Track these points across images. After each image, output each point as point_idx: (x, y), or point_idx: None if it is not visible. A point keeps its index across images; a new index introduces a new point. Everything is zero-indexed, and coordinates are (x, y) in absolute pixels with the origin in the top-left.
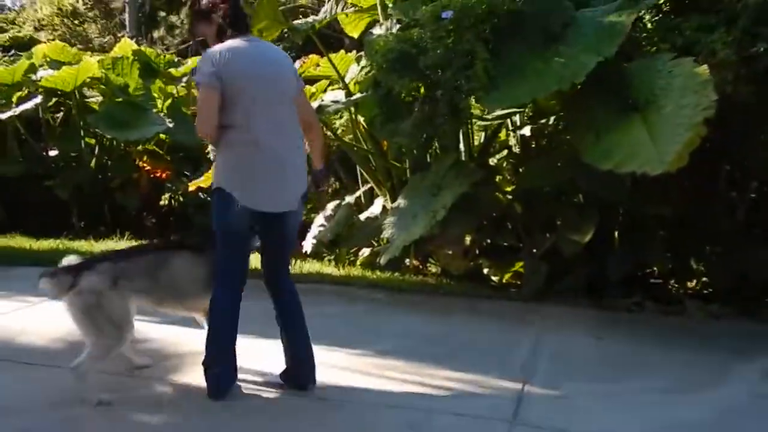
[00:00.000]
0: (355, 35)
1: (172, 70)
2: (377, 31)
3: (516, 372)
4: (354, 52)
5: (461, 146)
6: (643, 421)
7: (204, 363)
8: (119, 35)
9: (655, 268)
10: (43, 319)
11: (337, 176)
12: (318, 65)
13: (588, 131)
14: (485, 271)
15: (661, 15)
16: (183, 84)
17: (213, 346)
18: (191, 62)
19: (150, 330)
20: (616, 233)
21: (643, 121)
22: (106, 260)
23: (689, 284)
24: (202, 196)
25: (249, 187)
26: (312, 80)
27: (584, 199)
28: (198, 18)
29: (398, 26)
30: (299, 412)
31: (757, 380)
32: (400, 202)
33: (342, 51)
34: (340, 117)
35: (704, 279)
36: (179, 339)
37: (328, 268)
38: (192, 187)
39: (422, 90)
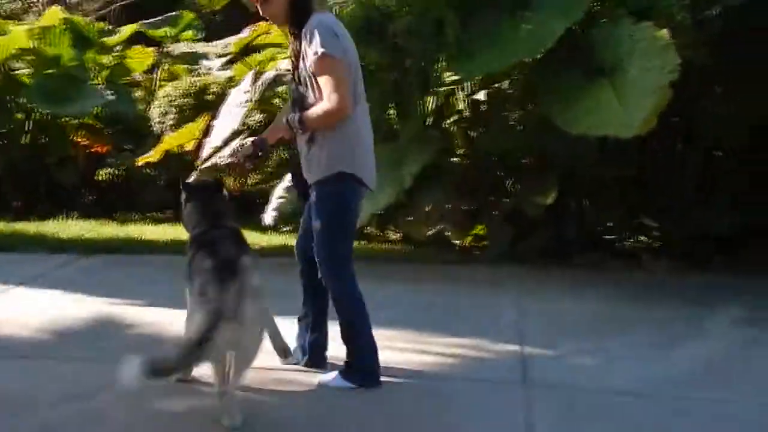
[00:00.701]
0: None
1: (106, 39)
2: None
3: (511, 335)
4: None
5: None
6: (646, 375)
7: (352, 360)
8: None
9: (609, 224)
10: (19, 307)
11: (290, 146)
12: (269, 32)
13: (555, 96)
14: (447, 235)
15: None
16: (117, 53)
17: (362, 339)
18: (126, 30)
19: (139, 314)
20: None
21: (611, 86)
22: None
23: (644, 240)
24: (148, 172)
25: (369, 167)
26: (256, 48)
27: (545, 162)
28: None
29: None
30: (313, 390)
31: (729, 330)
32: None
33: None
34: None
35: (656, 234)
36: (175, 320)
37: (292, 240)
38: (140, 162)
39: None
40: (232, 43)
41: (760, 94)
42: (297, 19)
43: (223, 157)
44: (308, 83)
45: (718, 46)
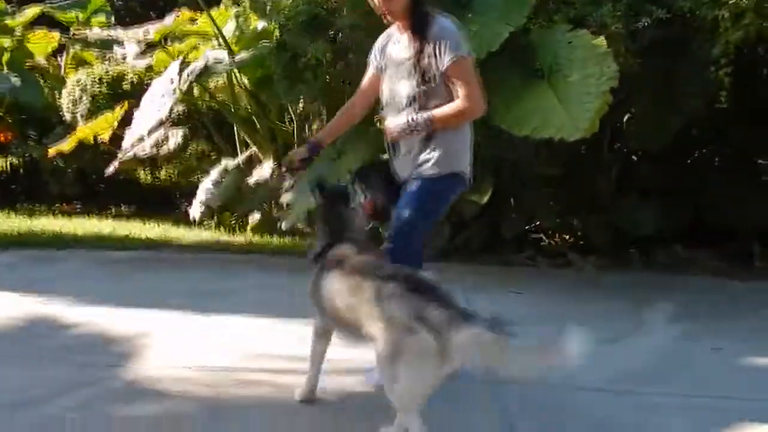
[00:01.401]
0: None
1: (8, 21)
2: None
3: None
4: (223, 7)
5: None
6: (606, 370)
7: None
8: None
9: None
10: None
11: (211, 139)
12: (194, 21)
13: (495, 98)
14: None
15: None
16: (18, 35)
17: None
18: (30, 11)
19: (74, 313)
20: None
21: (551, 89)
22: None
23: (569, 239)
24: (57, 162)
25: (470, 168)
26: (177, 37)
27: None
28: None
29: None
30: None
31: (670, 324)
32: None
33: (221, 6)
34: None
35: (579, 233)
36: (111, 320)
37: (224, 236)
38: (53, 152)
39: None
40: (152, 30)
41: (681, 101)
42: (418, 18)
43: (146, 149)
44: (436, 83)
45: (646, 55)
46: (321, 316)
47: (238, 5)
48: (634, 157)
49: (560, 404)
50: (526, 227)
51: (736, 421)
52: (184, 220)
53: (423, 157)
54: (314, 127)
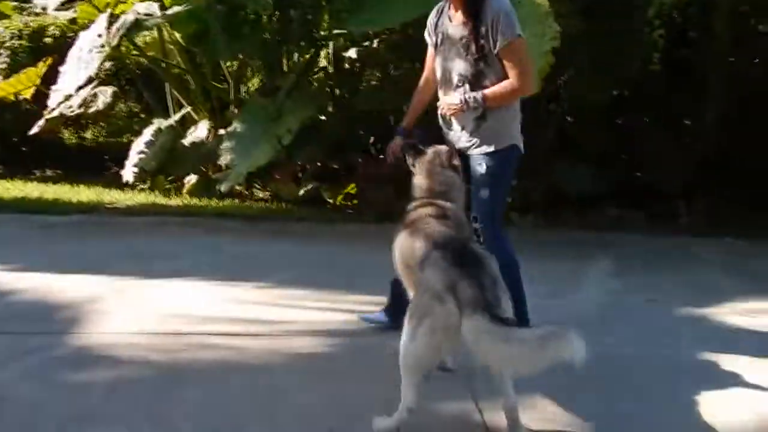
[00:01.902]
0: None
1: None
2: None
3: None
4: None
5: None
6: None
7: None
8: None
9: None
10: None
11: (140, 97)
12: None
13: None
14: (321, 194)
15: None
16: None
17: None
18: None
19: (14, 280)
20: None
21: None
22: None
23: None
24: None
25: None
26: None
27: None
28: None
29: None
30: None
31: (606, 280)
32: (237, 126)
33: None
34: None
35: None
36: (51, 287)
37: (159, 198)
38: None
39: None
40: None
41: (618, 63)
42: None
43: (73, 107)
44: (490, 62)
45: (586, 15)
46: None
47: None
48: (569, 119)
49: None
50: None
51: (671, 365)
52: (115, 182)
53: (480, 134)
54: (250, 86)
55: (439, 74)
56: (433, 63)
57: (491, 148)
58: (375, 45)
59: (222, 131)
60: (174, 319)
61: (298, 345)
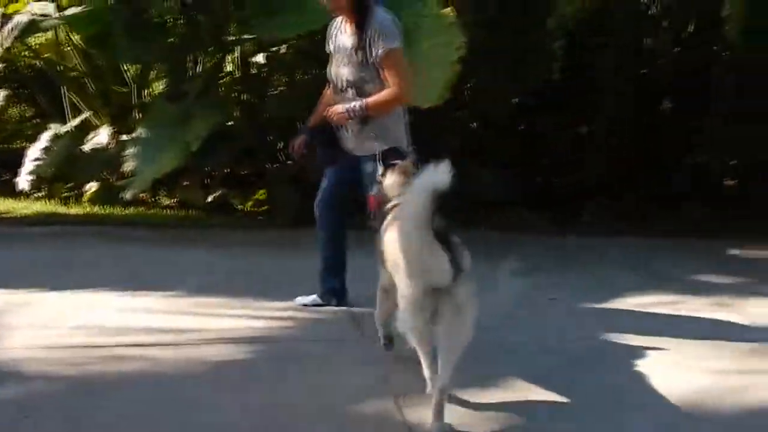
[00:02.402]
0: None
1: None
2: None
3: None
4: None
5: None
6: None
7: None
8: None
9: None
10: None
11: (33, 101)
12: None
13: None
14: (230, 200)
15: None
16: None
17: None
18: None
19: None
20: None
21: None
22: None
23: None
24: None
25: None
26: None
27: None
28: None
29: None
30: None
31: (515, 280)
32: (141, 131)
33: None
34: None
35: None
36: None
37: (59, 207)
38: None
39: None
40: None
41: (520, 71)
42: (361, 11)
43: None
44: (371, 70)
45: (489, 26)
46: (383, 272)
47: None
48: (473, 125)
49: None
50: None
51: (568, 358)
52: (8, 191)
53: (363, 137)
54: (153, 90)
55: (332, 81)
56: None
57: (375, 151)
58: (283, 51)
59: (124, 137)
60: (83, 332)
61: (213, 353)
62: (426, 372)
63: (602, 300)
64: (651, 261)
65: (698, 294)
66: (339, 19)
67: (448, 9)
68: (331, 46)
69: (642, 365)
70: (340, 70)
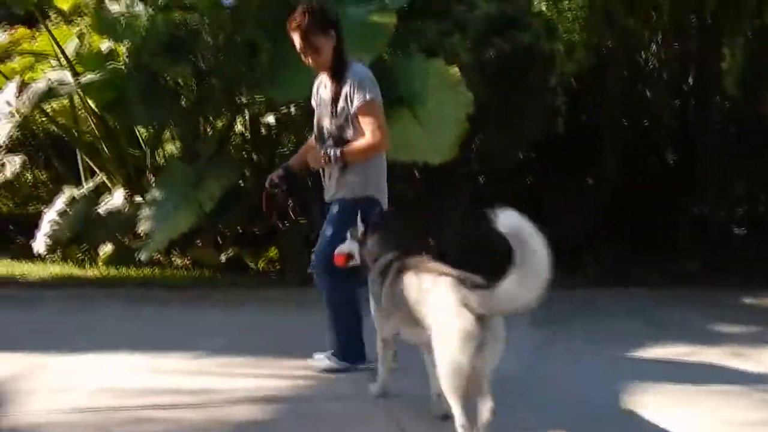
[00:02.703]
0: (65, 7)
1: None
2: (115, 8)
3: None
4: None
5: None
6: None
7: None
8: None
9: None
10: None
11: (49, 165)
12: (33, 38)
13: None
14: (243, 259)
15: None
16: None
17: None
18: None
19: None
20: None
21: (412, 115)
22: None
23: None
24: None
25: (386, 194)
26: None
27: None
28: (317, 29)
29: (142, 4)
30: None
31: (534, 330)
32: (155, 193)
33: (62, 25)
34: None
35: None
36: None
37: (74, 269)
38: None
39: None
40: None
41: (523, 127)
42: (339, 67)
43: None
44: (349, 120)
45: (492, 84)
46: (389, 321)
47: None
48: (480, 178)
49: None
50: None
51: (594, 411)
52: (22, 254)
53: (340, 182)
54: (166, 151)
55: (315, 131)
56: None
57: (350, 196)
58: (292, 111)
59: (138, 198)
60: (105, 394)
61: (236, 414)
62: (462, 420)
63: (617, 351)
64: (659, 311)
65: (712, 344)
66: (323, 75)
67: (455, 68)
68: (314, 101)
69: (669, 418)
70: (322, 122)
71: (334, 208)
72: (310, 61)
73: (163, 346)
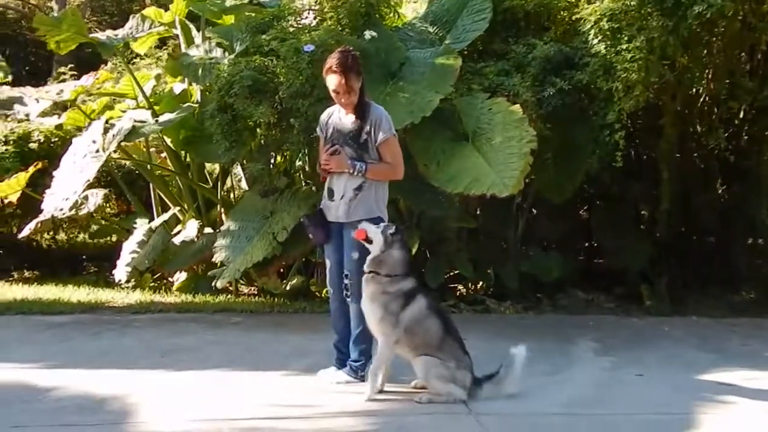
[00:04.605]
0: (142, 51)
1: None
2: (193, 52)
3: None
4: (144, 69)
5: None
6: (558, 397)
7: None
8: None
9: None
10: None
11: (123, 198)
12: (116, 82)
13: (428, 158)
14: (310, 287)
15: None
16: None
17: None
18: None
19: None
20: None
21: (477, 150)
22: None
23: (484, 286)
24: None
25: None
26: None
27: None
28: (355, 72)
29: (220, 50)
30: None
31: (595, 358)
32: (230, 224)
33: (142, 69)
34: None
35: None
36: (88, 382)
37: (153, 296)
38: None
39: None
40: (68, 89)
41: (579, 162)
42: (362, 107)
43: (64, 210)
44: (369, 149)
45: (550, 120)
46: (394, 331)
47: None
48: (534, 211)
49: (538, 427)
50: (445, 277)
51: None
52: (97, 282)
53: (353, 204)
54: (228, 183)
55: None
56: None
57: (364, 217)
58: None
59: (208, 230)
60: (221, 406)
61: (345, 424)
62: None
63: (683, 376)
64: (718, 339)
65: None
66: (334, 108)
67: (517, 105)
68: (326, 130)
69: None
70: (342, 150)
71: (352, 231)
72: (343, 100)
73: (257, 366)
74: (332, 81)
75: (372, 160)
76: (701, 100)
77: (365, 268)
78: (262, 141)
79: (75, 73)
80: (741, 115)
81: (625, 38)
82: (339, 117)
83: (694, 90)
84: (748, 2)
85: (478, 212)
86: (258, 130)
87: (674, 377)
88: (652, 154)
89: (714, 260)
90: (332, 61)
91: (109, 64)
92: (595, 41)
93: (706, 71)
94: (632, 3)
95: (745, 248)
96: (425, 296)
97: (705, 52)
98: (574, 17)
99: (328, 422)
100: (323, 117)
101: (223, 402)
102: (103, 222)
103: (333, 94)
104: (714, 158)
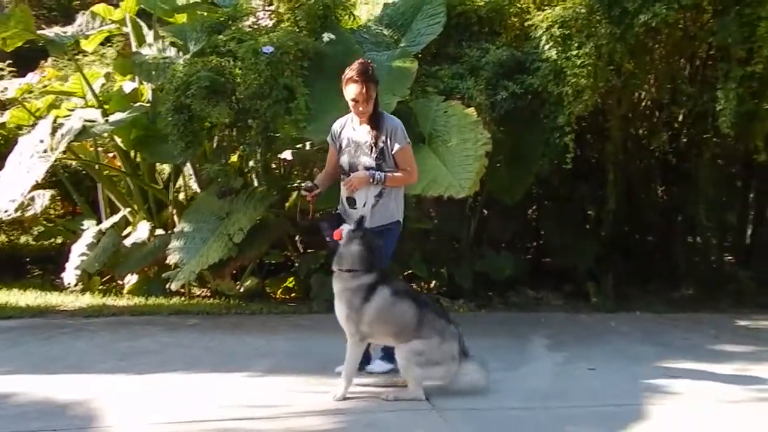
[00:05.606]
0: (90, 49)
1: None
2: (146, 51)
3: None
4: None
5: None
6: (516, 392)
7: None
8: None
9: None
10: None
11: (69, 199)
12: (65, 80)
13: None
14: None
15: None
16: None
17: None
18: None
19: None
20: None
21: (433, 152)
22: None
23: (437, 285)
24: None
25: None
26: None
27: None
28: (374, 81)
29: (173, 49)
30: None
31: (547, 353)
32: (184, 226)
33: (89, 66)
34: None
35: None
36: (47, 388)
37: (104, 299)
38: None
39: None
40: (12, 87)
41: (530, 163)
42: (377, 118)
43: (9, 212)
44: (386, 158)
45: (502, 123)
46: (359, 331)
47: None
48: (485, 211)
49: (498, 421)
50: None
51: (626, 421)
52: (42, 285)
53: (376, 210)
54: (179, 183)
55: (347, 167)
56: (333, 159)
57: (384, 222)
58: (308, 147)
59: (159, 231)
60: (188, 408)
61: (311, 424)
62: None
63: (631, 369)
64: (661, 333)
65: (719, 361)
66: (345, 119)
67: (472, 108)
68: (337, 142)
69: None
70: (358, 159)
71: (385, 236)
72: (361, 108)
73: (218, 367)
74: (352, 90)
75: (389, 168)
76: (645, 104)
77: (333, 266)
78: (218, 142)
79: (13, 69)
80: (681, 119)
81: (575, 44)
82: (353, 128)
83: (638, 95)
84: (690, 12)
85: (431, 213)
86: (214, 130)
87: (623, 370)
88: (599, 156)
89: (655, 258)
90: (352, 71)
91: (50, 60)
92: (547, 47)
93: (650, 77)
94: (582, 11)
95: (684, 247)
96: (388, 286)
97: (649, 58)
98: (525, 23)
99: (295, 422)
100: (335, 128)
101: (188, 404)
102: (47, 224)
103: (351, 103)
104: (656, 160)
